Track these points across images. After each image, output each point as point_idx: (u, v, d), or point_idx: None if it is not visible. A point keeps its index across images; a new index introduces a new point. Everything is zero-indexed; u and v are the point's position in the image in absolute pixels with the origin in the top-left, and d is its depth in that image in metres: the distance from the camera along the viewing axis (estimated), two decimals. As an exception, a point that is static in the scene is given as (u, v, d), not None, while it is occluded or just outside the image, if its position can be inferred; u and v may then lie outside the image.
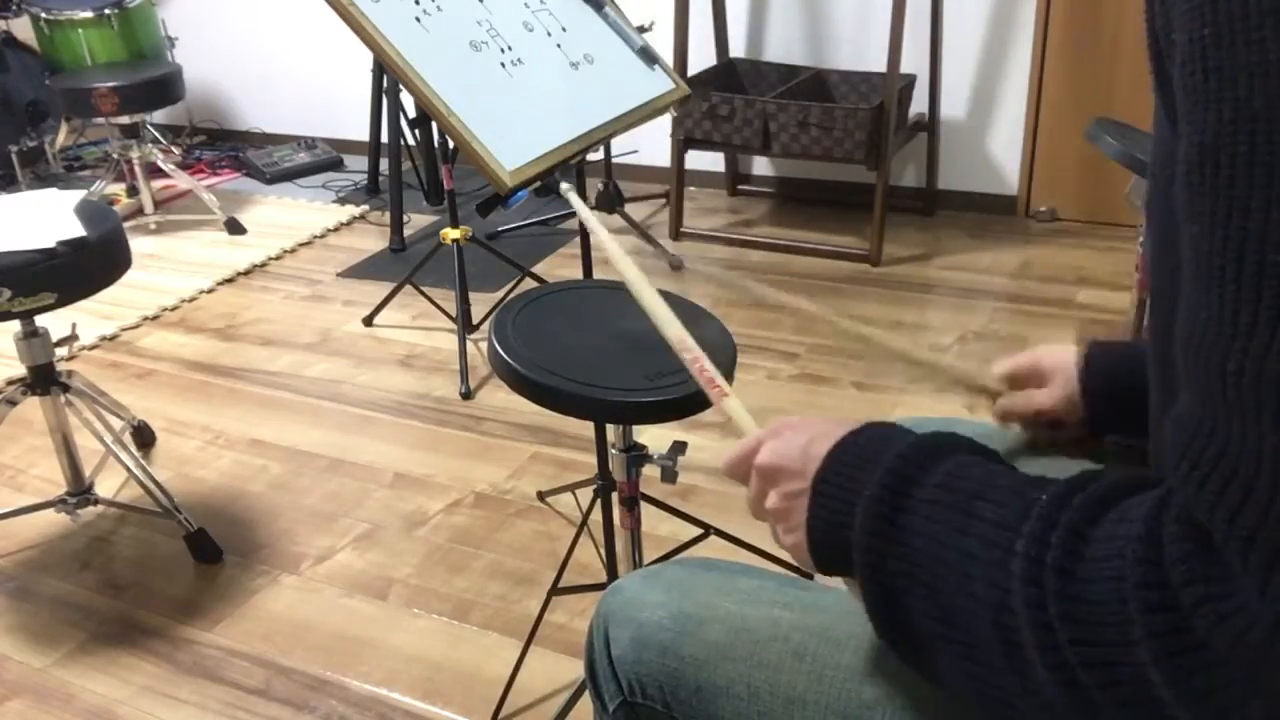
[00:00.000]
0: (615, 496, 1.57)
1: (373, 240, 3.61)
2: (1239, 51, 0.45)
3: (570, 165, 1.53)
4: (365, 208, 3.88)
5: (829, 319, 1.13)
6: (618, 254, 1.02)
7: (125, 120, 3.54)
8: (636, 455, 1.48)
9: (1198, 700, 0.47)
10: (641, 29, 1.87)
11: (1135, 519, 0.51)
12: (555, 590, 1.70)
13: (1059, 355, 0.98)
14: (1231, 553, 0.45)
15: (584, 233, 1.86)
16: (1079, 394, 0.95)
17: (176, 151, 4.42)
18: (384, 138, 3.64)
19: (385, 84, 3.51)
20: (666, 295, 1.48)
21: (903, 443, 0.68)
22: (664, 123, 3.28)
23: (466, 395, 2.59)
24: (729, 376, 1.32)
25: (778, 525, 0.75)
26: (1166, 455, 0.51)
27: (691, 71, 3.34)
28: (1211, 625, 0.46)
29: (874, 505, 0.66)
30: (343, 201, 3.97)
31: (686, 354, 0.94)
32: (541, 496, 2.17)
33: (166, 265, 3.48)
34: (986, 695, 0.61)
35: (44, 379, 2.00)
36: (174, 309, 3.16)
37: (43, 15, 3.70)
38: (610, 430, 1.51)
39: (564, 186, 1.24)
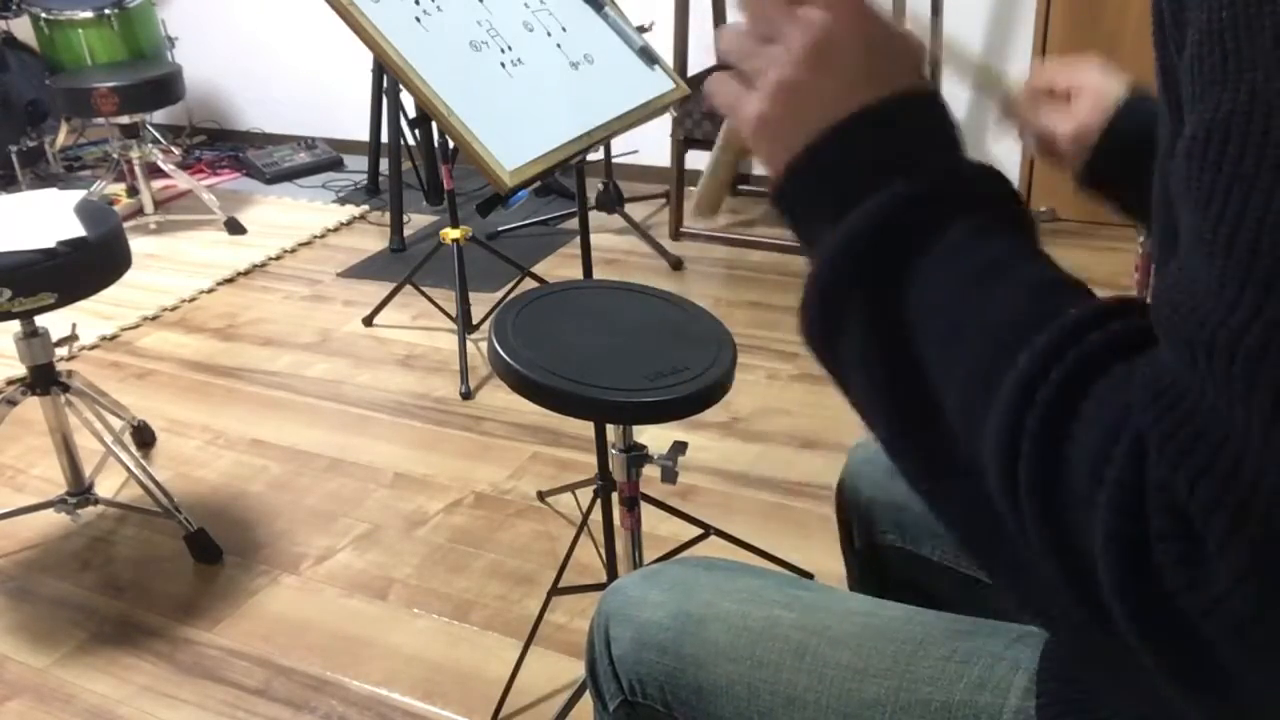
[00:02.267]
0: (615, 496, 1.57)
1: (373, 240, 3.61)
2: (1258, 34, 0.45)
3: (570, 168, 1.53)
4: (365, 208, 3.88)
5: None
6: None
7: (125, 120, 3.54)
8: (636, 455, 1.48)
9: (1148, 631, 0.46)
10: (641, 29, 1.87)
11: (1128, 428, 0.47)
12: (555, 590, 1.71)
13: (1100, 85, 0.92)
14: (1195, 519, 0.45)
15: (584, 233, 1.86)
16: (1097, 134, 0.90)
17: (176, 151, 4.42)
18: (384, 138, 3.64)
19: (385, 84, 3.51)
20: (666, 295, 1.49)
21: (960, 159, 0.59)
22: (664, 123, 3.27)
23: (466, 395, 2.59)
24: (729, 376, 1.32)
25: (769, 89, 0.59)
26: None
27: (691, 71, 3.34)
28: (1175, 573, 0.44)
29: (903, 196, 0.55)
30: (343, 201, 3.97)
31: None
32: (541, 496, 2.17)
33: (166, 265, 3.48)
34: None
35: (44, 379, 2.00)
36: (174, 309, 3.17)
37: (43, 15, 3.70)
38: (610, 430, 1.52)
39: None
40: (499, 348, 1.29)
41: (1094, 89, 0.93)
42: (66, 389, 2.05)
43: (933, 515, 0.57)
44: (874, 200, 0.55)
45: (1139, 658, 0.47)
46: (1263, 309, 0.44)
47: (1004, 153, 3.40)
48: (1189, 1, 0.49)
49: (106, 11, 3.68)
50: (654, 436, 2.12)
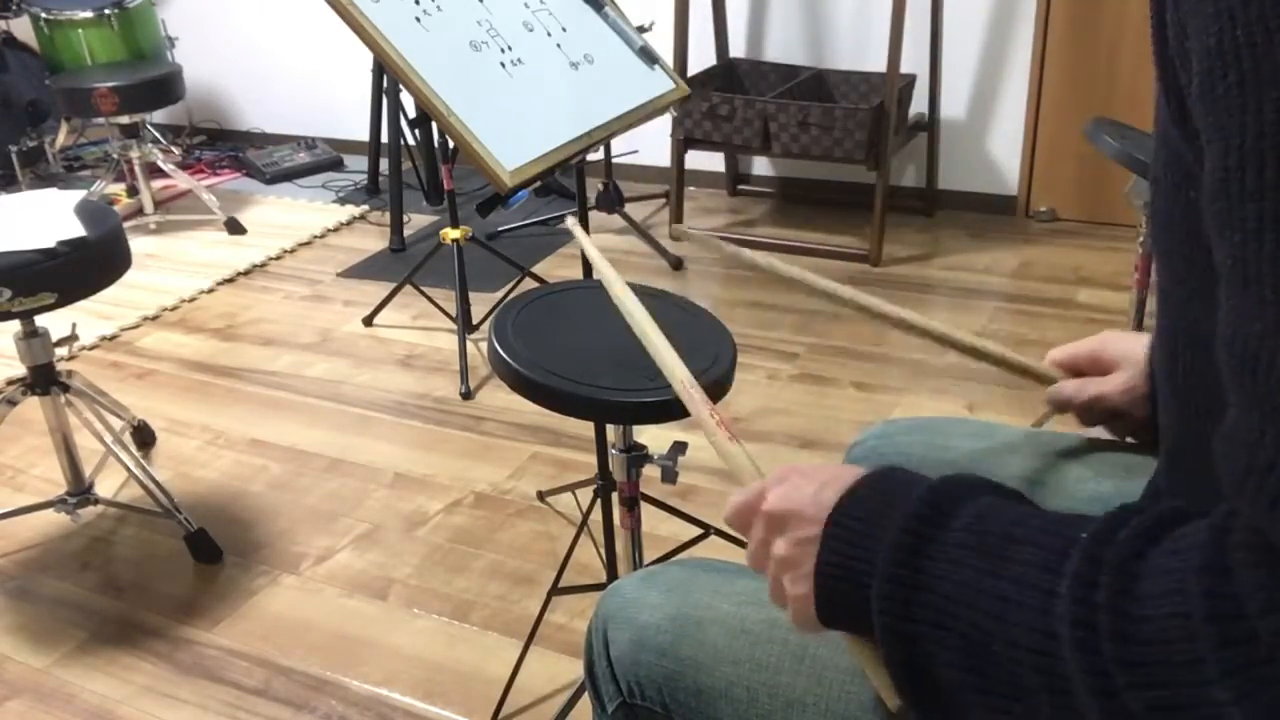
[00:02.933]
0: (615, 496, 1.57)
1: (373, 240, 3.61)
2: (1276, 53, 0.44)
3: (570, 168, 1.53)
4: (365, 208, 3.88)
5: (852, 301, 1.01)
6: (622, 291, 1.00)
7: (125, 120, 3.54)
8: (636, 455, 1.48)
9: None
10: (641, 29, 1.87)
11: (1191, 548, 0.49)
12: (555, 590, 1.70)
13: (1125, 343, 0.91)
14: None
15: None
16: (1144, 385, 0.88)
17: (176, 151, 4.42)
18: (384, 138, 3.64)
19: (385, 84, 3.51)
20: (666, 295, 1.48)
21: (923, 485, 0.64)
22: (664, 123, 3.27)
23: (466, 395, 2.59)
24: (729, 377, 1.32)
25: (784, 574, 0.70)
26: (1222, 472, 0.48)
27: (691, 71, 3.34)
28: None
29: (896, 552, 0.62)
30: (343, 201, 3.97)
31: (696, 392, 0.88)
32: (541, 496, 2.17)
33: (166, 265, 3.48)
34: None
35: (44, 379, 2.00)
36: (174, 309, 3.16)
37: (43, 15, 3.70)
38: (610, 430, 1.51)
39: (569, 222, 1.23)
40: (499, 348, 1.29)
41: (1124, 353, 0.91)
42: (66, 389, 2.05)
43: None
44: (877, 604, 0.63)
45: None
46: None
47: (1003, 153, 3.40)
48: (1193, 27, 0.48)
49: (106, 11, 3.68)
50: (654, 436, 2.12)
